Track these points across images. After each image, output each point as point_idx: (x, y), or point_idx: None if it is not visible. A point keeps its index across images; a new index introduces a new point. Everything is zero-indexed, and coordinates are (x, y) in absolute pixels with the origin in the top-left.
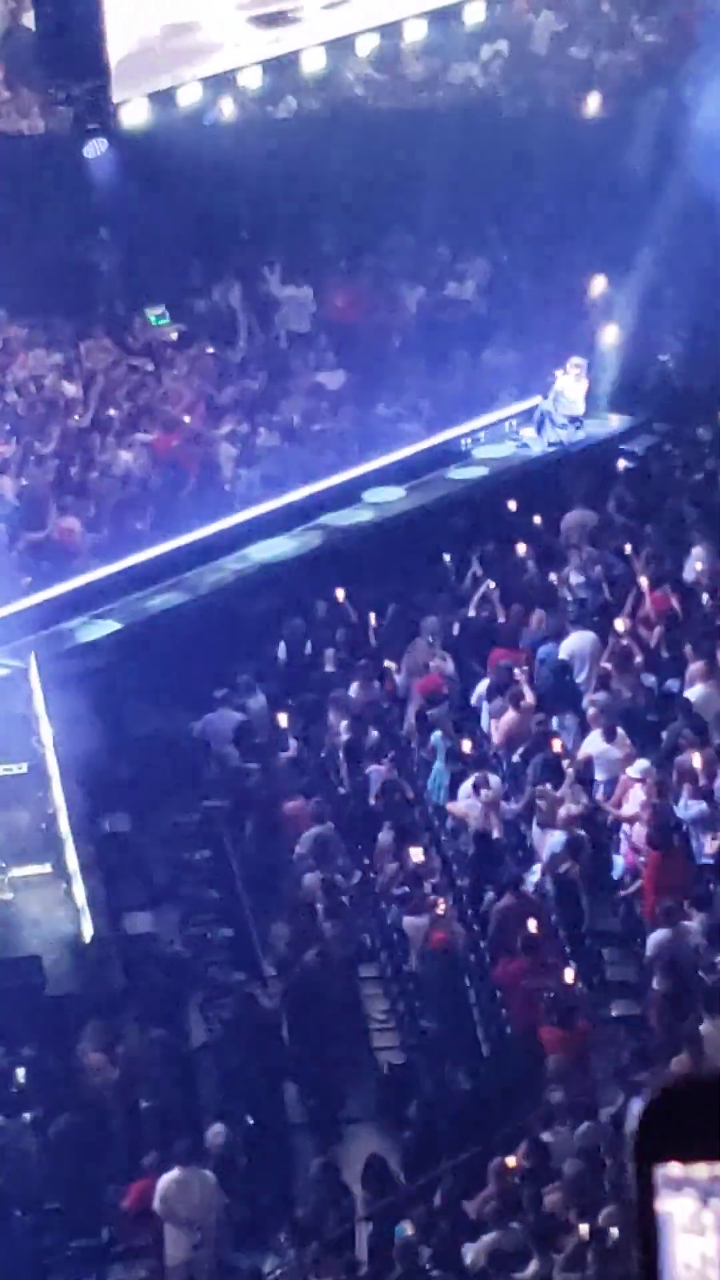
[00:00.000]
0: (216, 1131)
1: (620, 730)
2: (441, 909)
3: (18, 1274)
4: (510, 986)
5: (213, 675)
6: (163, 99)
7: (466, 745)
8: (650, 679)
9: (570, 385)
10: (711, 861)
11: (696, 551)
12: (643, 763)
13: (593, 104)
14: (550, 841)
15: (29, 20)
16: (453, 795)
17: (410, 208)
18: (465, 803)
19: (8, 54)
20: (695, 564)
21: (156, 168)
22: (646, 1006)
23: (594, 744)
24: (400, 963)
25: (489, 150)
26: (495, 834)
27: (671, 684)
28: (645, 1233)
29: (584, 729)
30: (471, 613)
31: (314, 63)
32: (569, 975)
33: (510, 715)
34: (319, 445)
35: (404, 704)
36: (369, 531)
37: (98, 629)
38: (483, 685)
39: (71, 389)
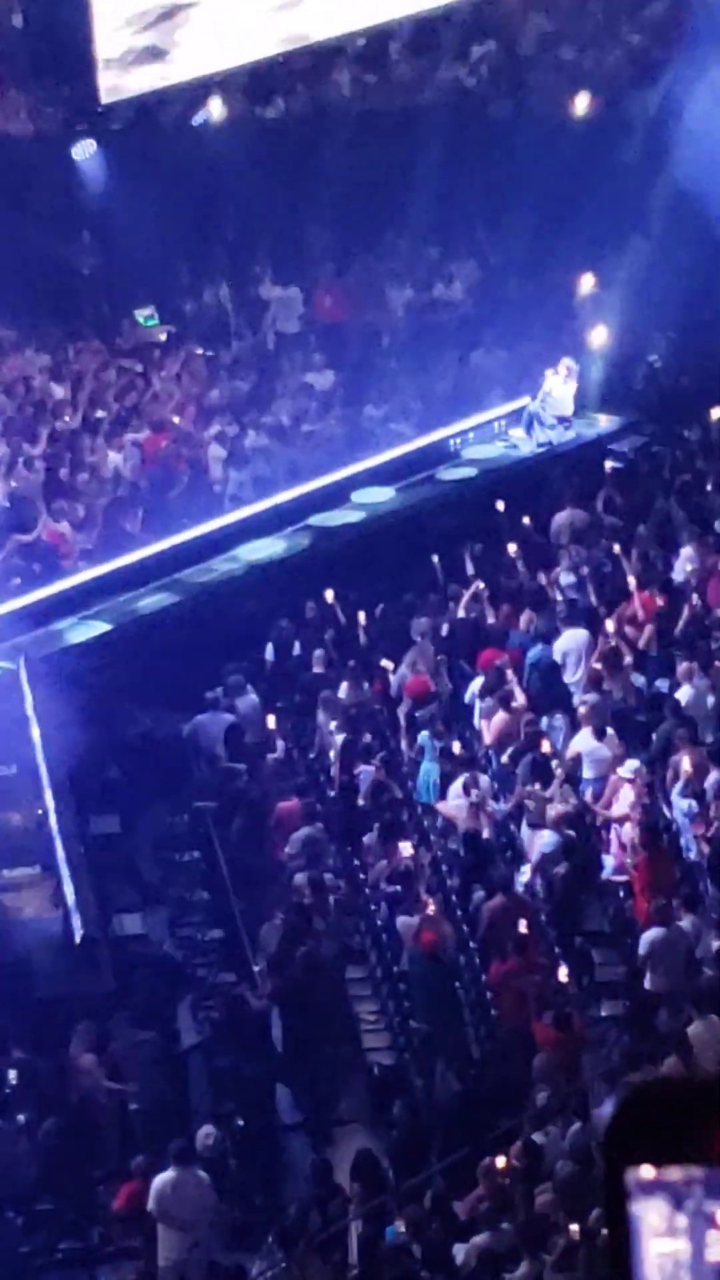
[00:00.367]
0: (207, 1133)
1: (610, 730)
2: (431, 909)
3: (7, 1275)
4: (502, 987)
5: (202, 676)
6: (151, 100)
7: (456, 746)
8: (639, 679)
9: (559, 385)
10: (701, 861)
11: (685, 551)
12: (633, 763)
13: (580, 104)
14: (540, 842)
15: (18, 22)
16: (443, 796)
17: (399, 209)
18: (455, 803)
19: None
20: (684, 564)
21: (145, 169)
22: (637, 1006)
23: (584, 743)
24: (390, 963)
25: (477, 151)
26: (485, 834)
27: (660, 684)
28: (618, 1235)
29: (574, 729)
30: (461, 613)
31: (302, 63)
32: (563, 975)
33: (501, 716)
34: (308, 446)
35: (393, 704)
36: (358, 532)
37: (87, 630)
38: (476, 685)
39: (60, 390)
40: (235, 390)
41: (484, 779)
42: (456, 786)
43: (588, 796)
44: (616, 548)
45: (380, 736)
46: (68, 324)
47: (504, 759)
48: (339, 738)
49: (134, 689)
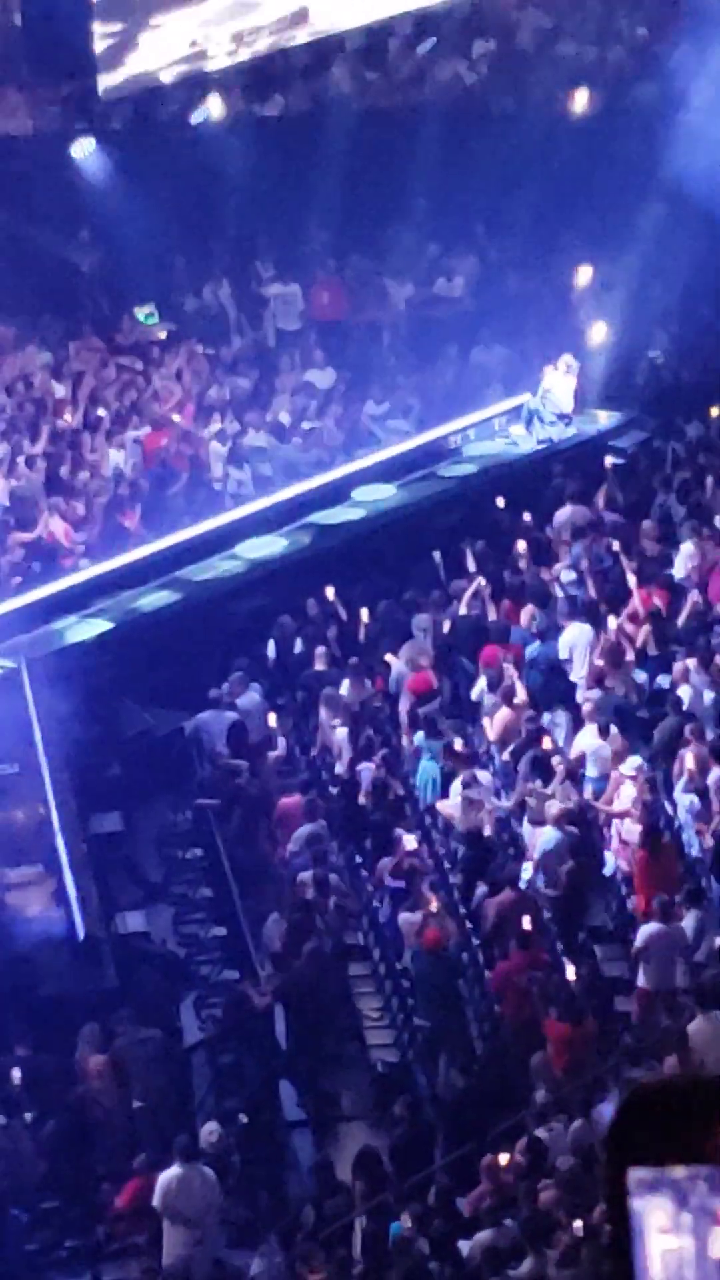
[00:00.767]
0: (210, 1130)
1: (613, 727)
2: (434, 906)
3: (12, 1273)
4: (507, 983)
5: (204, 674)
6: (151, 98)
7: (458, 743)
8: (641, 675)
9: (559, 382)
10: (704, 857)
11: (685, 548)
12: (635, 759)
13: (580, 100)
14: (541, 839)
15: (17, 20)
16: (444, 793)
17: (399, 205)
18: (455, 800)
19: None
20: (685, 560)
21: (145, 167)
22: (635, 1002)
23: (586, 740)
24: (393, 960)
25: (477, 147)
26: (486, 831)
27: (662, 680)
28: (620, 1233)
29: (576, 725)
30: (462, 610)
31: (302, 60)
32: (571, 972)
33: (503, 712)
34: (308, 443)
35: (395, 701)
36: (359, 529)
37: (88, 629)
38: (483, 682)
39: (60, 388)
40: (235, 388)
41: (485, 776)
42: (458, 784)
43: (589, 793)
44: (616, 544)
45: (381, 734)
46: (68, 322)
47: (505, 756)
48: (342, 734)
49: (135, 687)
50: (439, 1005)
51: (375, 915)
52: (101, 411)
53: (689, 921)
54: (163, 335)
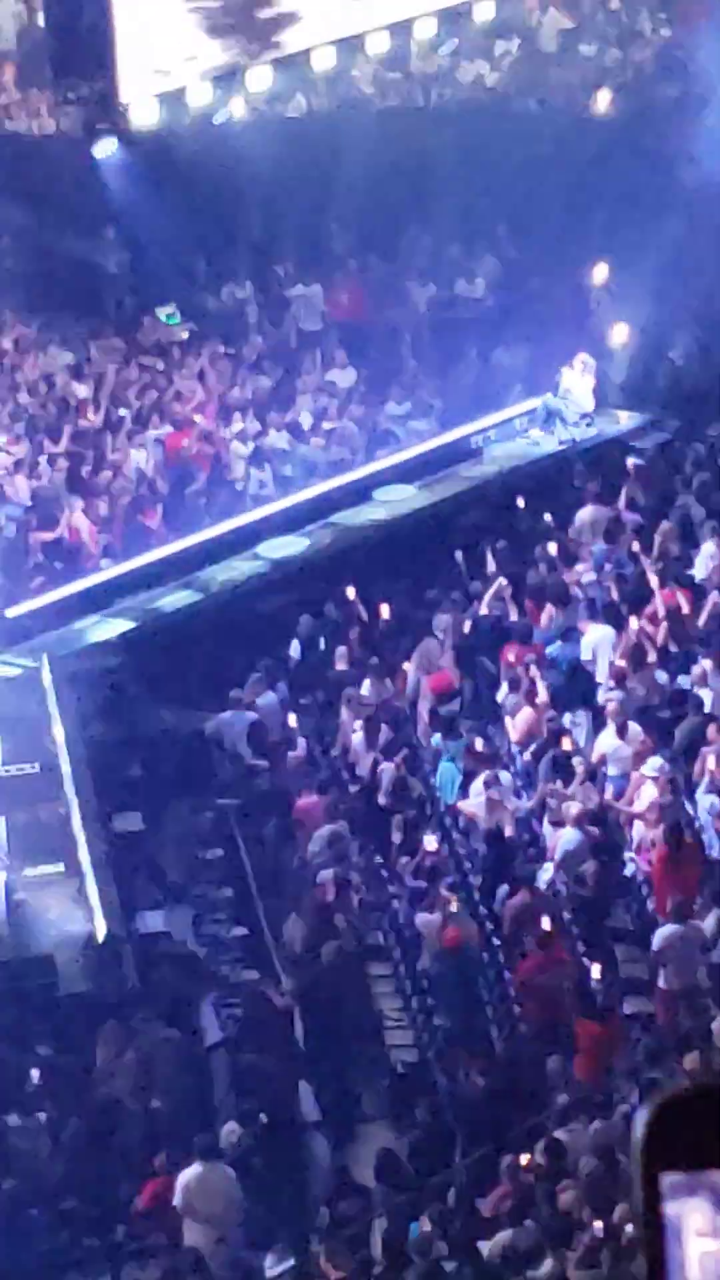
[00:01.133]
0: (230, 1130)
1: (634, 726)
2: (454, 907)
3: (32, 1273)
4: (527, 983)
5: (224, 674)
6: (173, 98)
7: (479, 743)
8: (662, 675)
9: (578, 381)
10: None
11: (706, 548)
12: (656, 760)
13: (602, 101)
14: (562, 839)
15: (40, 21)
16: (465, 793)
17: (420, 206)
18: (476, 800)
19: (19, 55)
20: (705, 561)
21: (167, 167)
22: (657, 1003)
23: (610, 741)
24: (413, 961)
25: (499, 148)
26: (507, 832)
27: (682, 680)
28: (653, 1239)
29: (597, 726)
30: (484, 610)
31: (324, 61)
32: (596, 972)
33: (525, 712)
34: (330, 443)
35: (415, 701)
36: (380, 530)
37: (109, 628)
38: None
39: (82, 389)
40: (257, 388)
41: (506, 776)
42: (479, 784)
43: (610, 794)
44: (637, 545)
45: (402, 734)
46: (89, 322)
47: (526, 756)
48: (362, 734)
49: (156, 687)
50: (459, 1005)
51: (395, 915)
52: (123, 411)
53: (710, 922)
54: (184, 335)
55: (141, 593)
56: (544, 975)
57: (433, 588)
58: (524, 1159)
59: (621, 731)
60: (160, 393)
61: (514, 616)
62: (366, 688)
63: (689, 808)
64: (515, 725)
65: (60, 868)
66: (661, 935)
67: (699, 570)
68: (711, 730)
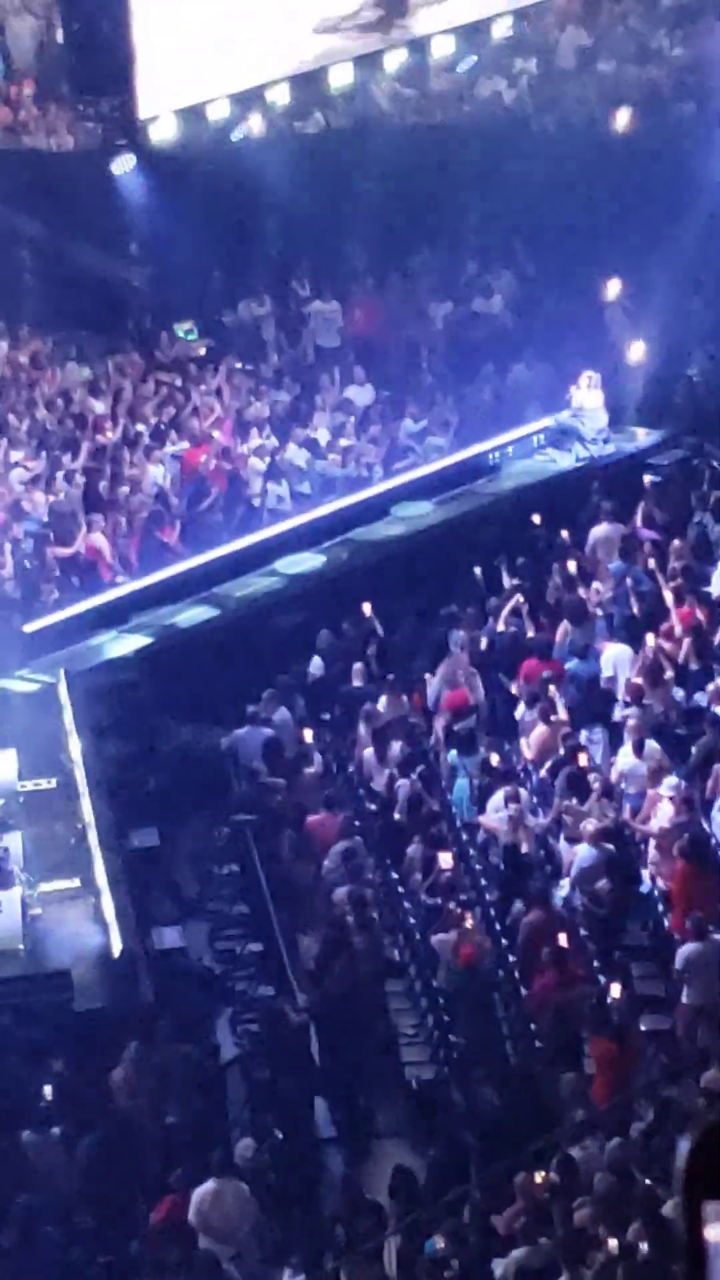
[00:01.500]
0: (246, 1146)
1: (652, 744)
2: (469, 923)
3: None
4: (542, 1000)
5: (241, 690)
6: (191, 115)
7: (495, 758)
8: (679, 693)
9: (589, 398)
10: None
11: None
12: (672, 779)
13: (620, 119)
14: (578, 856)
15: (59, 37)
16: (480, 809)
17: (438, 223)
18: (495, 816)
19: (39, 71)
20: None
21: (185, 183)
22: (675, 1021)
23: (627, 758)
24: (429, 977)
25: (516, 165)
26: (524, 848)
27: (699, 697)
28: (696, 1267)
29: (614, 743)
30: (500, 627)
31: (342, 78)
32: (615, 990)
33: (541, 729)
34: (347, 459)
35: (432, 717)
36: (397, 546)
37: (126, 644)
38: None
39: (100, 405)
40: (274, 404)
41: (522, 792)
42: (496, 799)
43: (627, 811)
44: (653, 562)
45: (418, 750)
46: (107, 338)
47: (542, 773)
48: (379, 750)
49: (173, 702)
50: (474, 1022)
51: (411, 932)
52: (140, 427)
53: None
54: (202, 351)
55: (158, 608)
56: (559, 992)
57: (450, 604)
58: (539, 1176)
59: (639, 749)
60: (178, 409)
61: (531, 633)
62: (383, 704)
63: (705, 825)
64: (530, 742)
65: (77, 883)
66: (684, 953)
67: (715, 587)
68: None
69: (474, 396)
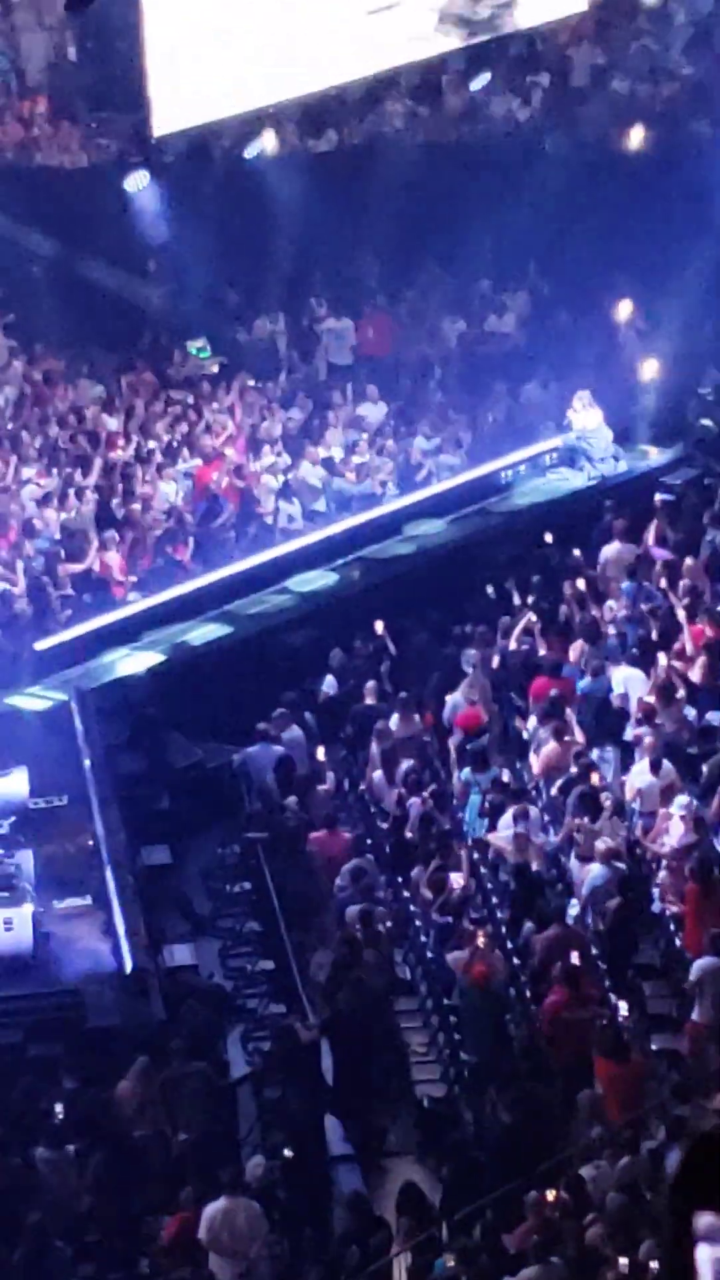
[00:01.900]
0: (256, 1164)
1: (665, 763)
2: (481, 942)
3: None
4: (554, 1019)
5: (253, 707)
6: (205, 132)
7: (505, 775)
8: (691, 711)
9: (589, 418)
10: None
11: None
12: (683, 798)
13: (633, 137)
14: (589, 875)
15: (72, 55)
16: (492, 827)
17: (451, 241)
18: (503, 835)
19: (51, 88)
20: None
21: (198, 201)
22: (686, 1039)
23: (641, 777)
24: (440, 996)
25: (530, 182)
26: (534, 867)
27: (711, 716)
28: (684, 1272)
29: (625, 762)
30: (512, 645)
31: (355, 95)
32: (623, 1009)
33: (551, 747)
34: (360, 477)
35: (444, 736)
36: (409, 564)
37: (138, 661)
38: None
39: (112, 421)
40: (287, 422)
41: (533, 811)
42: (507, 818)
43: (639, 830)
44: (665, 581)
45: (430, 768)
46: (120, 355)
47: (554, 791)
48: (383, 768)
49: (185, 720)
50: (486, 1041)
51: (422, 951)
52: (153, 444)
53: None
54: (214, 369)
55: (170, 626)
56: (571, 1011)
57: (462, 622)
58: (550, 1195)
59: (655, 767)
60: (190, 426)
61: (543, 651)
62: (395, 722)
63: (716, 845)
64: (539, 760)
65: (88, 900)
66: (700, 966)
67: None
68: None
69: (486, 414)
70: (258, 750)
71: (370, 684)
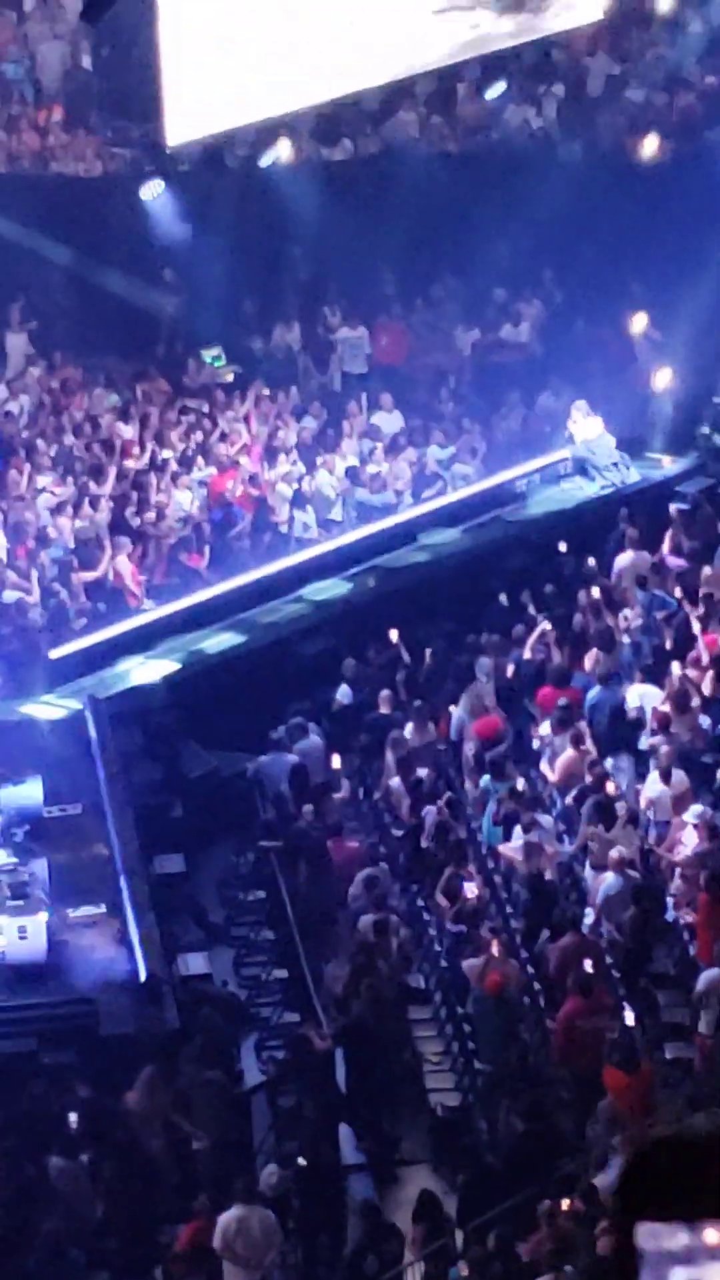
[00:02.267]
0: (270, 1172)
1: (678, 772)
2: (496, 950)
3: None
4: (568, 1028)
5: (268, 716)
6: (220, 141)
7: (520, 783)
8: (705, 721)
9: (589, 428)
10: None
11: None
12: (697, 806)
13: (648, 146)
14: (604, 884)
15: (87, 63)
16: (507, 836)
17: (466, 250)
18: (518, 844)
19: (66, 97)
20: None
21: (213, 210)
22: (698, 1048)
23: (655, 785)
24: (454, 1004)
25: (545, 192)
26: (548, 875)
27: None
28: None
29: (640, 771)
30: (527, 654)
31: (371, 104)
32: (630, 1017)
33: (569, 754)
34: (374, 486)
35: (459, 745)
36: (424, 573)
37: (153, 670)
38: (545, 725)
39: (127, 430)
40: (302, 430)
41: (547, 819)
42: (519, 827)
43: (653, 838)
44: (680, 591)
45: (445, 777)
46: (135, 363)
47: (568, 800)
48: (401, 778)
49: (200, 729)
50: (500, 1049)
51: (436, 959)
52: (168, 453)
53: None
54: (229, 377)
55: (185, 635)
56: (586, 1020)
57: (476, 631)
58: (563, 1204)
59: (667, 776)
60: (205, 435)
61: (557, 660)
62: (409, 731)
63: None
64: (555, 769)
65: (102, 909)
66: (705, 978)
67: None
68: None
69: (501, 424)
70: (271, 759)
71: (385, 693)
